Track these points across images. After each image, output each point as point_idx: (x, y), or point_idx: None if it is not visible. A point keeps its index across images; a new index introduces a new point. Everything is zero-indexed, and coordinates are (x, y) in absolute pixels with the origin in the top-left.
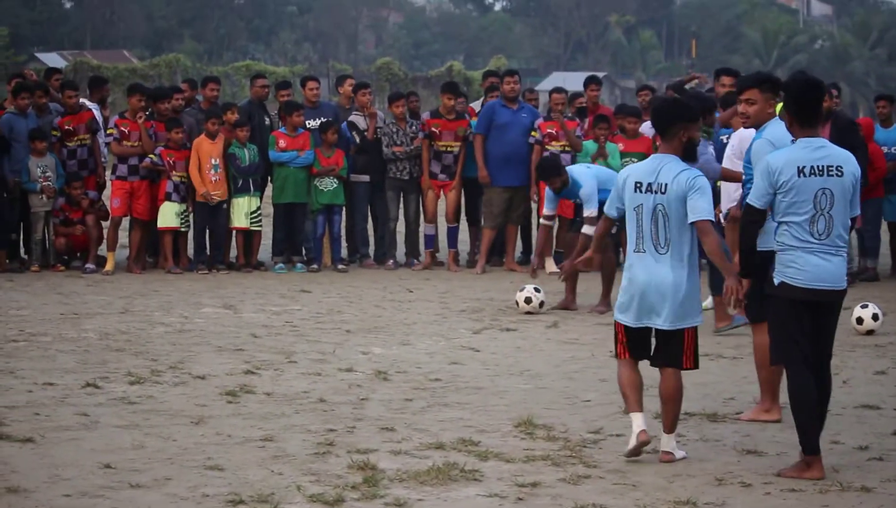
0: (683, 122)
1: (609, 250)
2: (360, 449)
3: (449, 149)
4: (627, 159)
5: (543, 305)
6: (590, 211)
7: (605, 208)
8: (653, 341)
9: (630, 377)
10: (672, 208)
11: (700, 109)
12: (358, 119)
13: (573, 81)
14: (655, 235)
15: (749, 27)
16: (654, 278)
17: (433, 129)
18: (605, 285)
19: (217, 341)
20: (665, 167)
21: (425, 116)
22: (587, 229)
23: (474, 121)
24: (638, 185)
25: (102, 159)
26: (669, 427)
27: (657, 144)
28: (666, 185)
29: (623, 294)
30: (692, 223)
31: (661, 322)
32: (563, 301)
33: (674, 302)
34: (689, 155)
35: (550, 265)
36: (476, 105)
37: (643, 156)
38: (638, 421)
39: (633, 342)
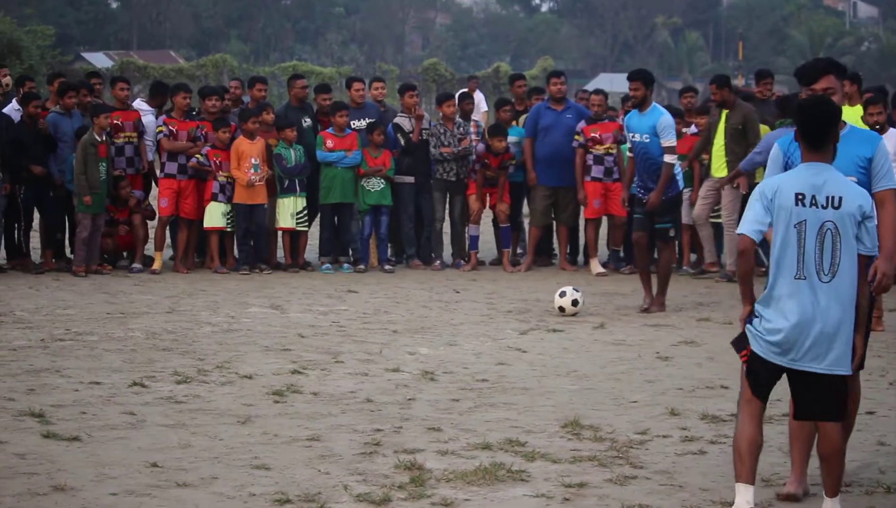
0: (837, 125)
1: (671, 248)
2: (407, 449)
3: (492, 176)
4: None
5: (578, 303)
6: (669, 140)
7: (745, 227)
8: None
9: (752, 435)
10: (846, 226)
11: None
12: (403, 121)
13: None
14: (819, 258)
15: (795, 29)
16: (816, 313)
17: (485, 160)
18: (661, 283)
19: (264, 340)
20: (831, 179)
21: (480, 146)
22: (669, 159)
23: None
24: (800, 197)
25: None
26: (833, 490)
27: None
28: (840, 199)
29: (769, 326)
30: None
31: (821, 366)
32: (648, 303)
33: (839, 342)
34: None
35: (596, 266)
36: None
37: (685, 159)
38: (746, 496)
39: (766, 380)
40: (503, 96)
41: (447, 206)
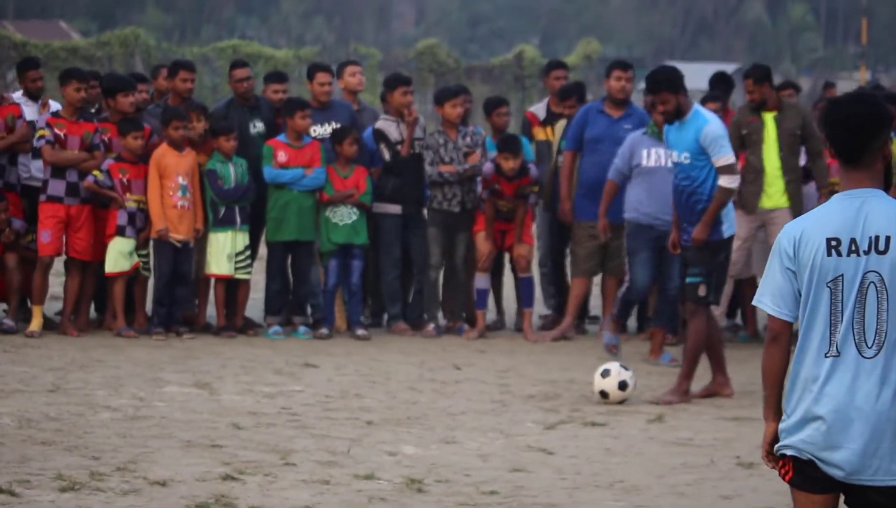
0: (886, 132)
1: (702, 314)
2: None
3: (506, 209)
4: None
5: (627, 386)
6: (725, 156)
7: (766, 302)
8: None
9: None
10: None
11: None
12: (388, 126)
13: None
14: (861, 324)
15: None
16: (859, 403)
17: (496, 186)
18: (685, 362)
19: (184, 433)
20: (875, 210)
21: (487, 167)
22: (725, 182)
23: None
24: (833, 244)
25: (37, 174)
26: None
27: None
28: (888, 240)
29: (800, 420)
30: None
31: (880, 476)
32: (711, 385)
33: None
34: (888, 181)
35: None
36: (538, 109)
37: None
38: None
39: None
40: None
41: (446, 247)
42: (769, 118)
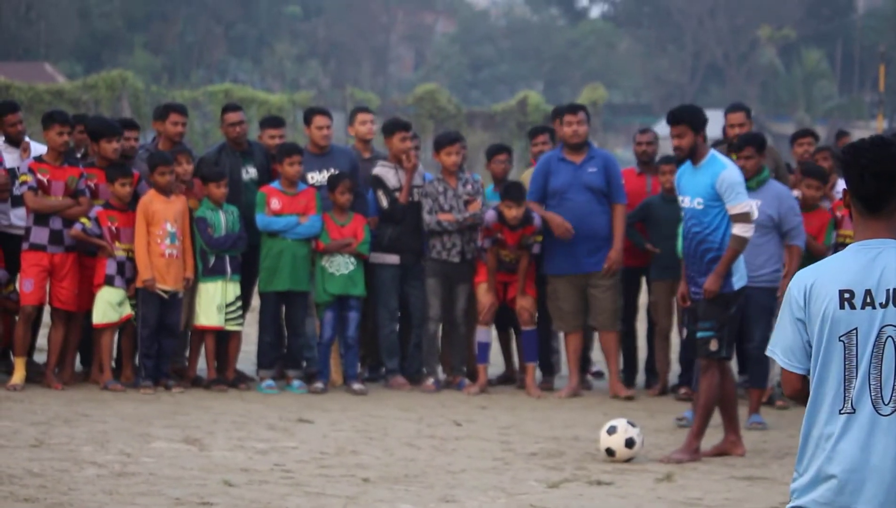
0: None
1: (715, 369)
2: None
3: (509, 259)
4: None
5: (634, 444)
6: (741, 204)
7: (776, 349)
8: None
9: None
10: None
11: None
12: (386, 172)
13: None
14: (878, 380)
15: None
16: (875, 462)
17: (498, 235)
18: (697, 418)
19: (174, 490)
20: (892, 262)
21: (489, 215)
22: (739, 230)
23: None
24: (847, 296)
25: (16, 222)
26: None
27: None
28: None
29: (812, 479)
30: None
31: None
32: (723, 443)
33: None
34: None
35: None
36: None
37: (811, 240)
38: None
39: None
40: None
41: (446, 299)
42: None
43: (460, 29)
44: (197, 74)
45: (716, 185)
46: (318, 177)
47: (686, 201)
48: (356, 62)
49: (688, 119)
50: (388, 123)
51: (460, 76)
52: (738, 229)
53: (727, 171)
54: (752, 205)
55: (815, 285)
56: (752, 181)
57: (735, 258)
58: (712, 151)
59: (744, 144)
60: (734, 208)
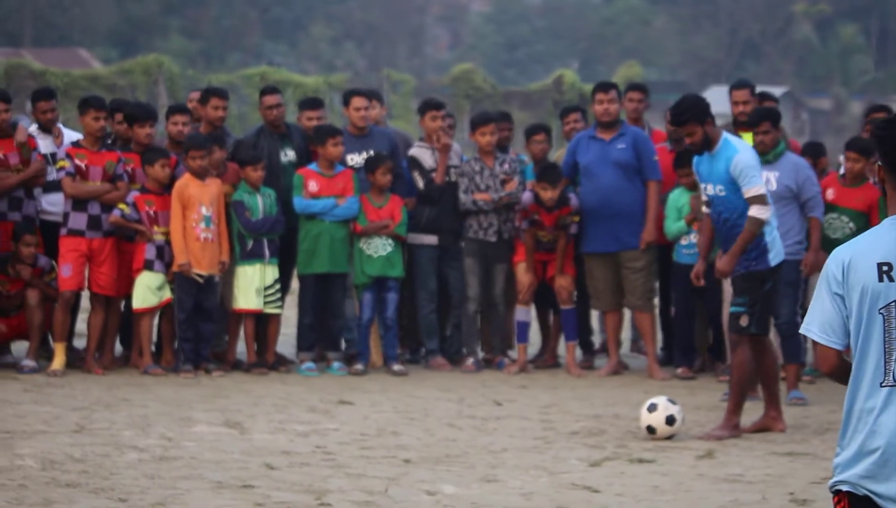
0: None
1: (746, 345)
2: None
3: (546, 239)
4: (835, 217)
5: (675, 421)
6: (755, 187)
7: (814, 330)
8: None
9: None
10: None
11: None
12: (423, 153)
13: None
14: None
15: None
16: None
17: (535, 216)
18: (731, 396)
19: (214, 473)
20: None
21: (527, 196)
22: (756, 212)
23: None
24: (885, 269)
25: (48, 207)
26: None
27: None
28: None
29: (855, 454)
30: None
31: None
32: (763, 419)
33: None
34: None
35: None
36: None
37: (860, 217)
38: None
39: None
40: (535, 121)
41: (484, 278)
42: (748, 138)
43: (495, 9)
44: (233, 58)
45: (731, 169)
46: (357, 158)
47: (709, 189)
48: (392, 43)
49: (691, 116)
50: (423, 102)
51: (496, 56)
52: (754, 211)
53: (739, 155)
54: (764, 186)
55: (853, 259)
56: (770, 154)
57: (750, 240)
58: (724, 135)
59: (760, 120)
60: (749, 191)
